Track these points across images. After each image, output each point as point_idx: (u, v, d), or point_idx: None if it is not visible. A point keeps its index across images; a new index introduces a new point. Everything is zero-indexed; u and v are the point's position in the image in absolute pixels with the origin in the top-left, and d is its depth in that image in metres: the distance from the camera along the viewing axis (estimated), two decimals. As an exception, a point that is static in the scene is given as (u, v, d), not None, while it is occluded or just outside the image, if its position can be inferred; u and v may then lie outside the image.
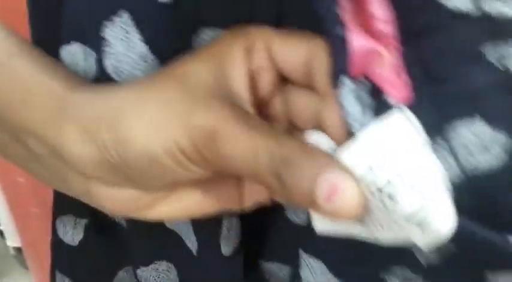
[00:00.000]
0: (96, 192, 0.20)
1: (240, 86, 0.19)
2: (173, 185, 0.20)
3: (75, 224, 0.30)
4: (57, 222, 0.31)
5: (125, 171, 0.19)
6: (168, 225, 0.26)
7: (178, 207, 0.21)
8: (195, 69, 0.19)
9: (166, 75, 0.20)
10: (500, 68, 0.16)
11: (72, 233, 0.31)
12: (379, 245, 0.18)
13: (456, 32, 0.16)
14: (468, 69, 0.16)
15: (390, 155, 0.16)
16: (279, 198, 0.22)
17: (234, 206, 0.22)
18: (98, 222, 0.30)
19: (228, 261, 0.27)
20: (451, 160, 0.17)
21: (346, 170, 0.16)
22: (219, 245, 0.26)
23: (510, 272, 0.19)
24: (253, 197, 0.22)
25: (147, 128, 0.18)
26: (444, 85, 0.17)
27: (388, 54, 0.17)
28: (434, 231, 0.16)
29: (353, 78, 0.17)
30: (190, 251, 0.27)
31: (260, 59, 0.19)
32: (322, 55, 0.18)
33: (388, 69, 0.17)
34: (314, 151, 0.17)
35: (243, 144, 0.17)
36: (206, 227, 0.26)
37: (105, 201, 0.20)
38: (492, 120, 0.17)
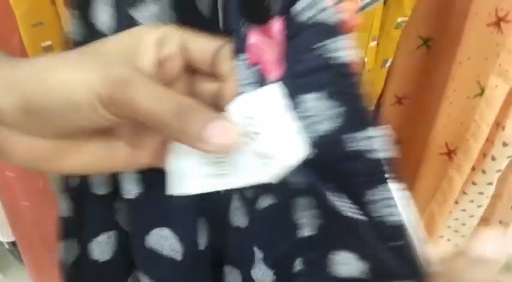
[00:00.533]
0: (9, 143, 0.23)
1: (148, 66, 0.24)
2: (85, 135, 0.24)
3: (108, 238, 0.34)
4: (90, 245, 0.34)
5: (44, 119, 0.22)
6: (147, 245, 0.31)
7: (83, 162, 0.25)
8: (113, 46, 0.24)
9: (88, 48, 0.24)
10: (329, 56, 0.24)
11: (107, 248, 0.34)
12: (234, 189, 0.25)
13: (306, 35, 0.25)
14: (307, 58, 0.25)
15: (262, 110, 0.24)
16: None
17: (132, 163, 0.26)
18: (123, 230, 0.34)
19: (203, 253, 0.32)
20: (303, 122, 0.25)
21: (229, 118, 0.23)
22: (197, 243, 0.31)
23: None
24: (147, 156, 0.27)
25: (69, 78, 0.21)
26: (298, 68, 0.25)
27: (272, 49, 0.26)
28: (282, 166, 0.23)
29: (249, 63, 0.26)
30: (172, 260, 0.31)
31: (170, 49, 0.25)
32: (227, 48, 0.25)
33: (272, 58, 0.26)
34: (209, 108, 0.23)
35: (152, 92, 0.22)
36: (188, 233, 0.31)
37: (17, 152, 0.23)
38: (328, 93, 0.25)
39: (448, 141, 0.54)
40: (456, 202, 0.60)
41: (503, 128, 0.51)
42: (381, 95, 0.60)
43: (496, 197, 0.63)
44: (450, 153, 0.54)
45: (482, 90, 0.49)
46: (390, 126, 0.64)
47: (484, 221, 0.67)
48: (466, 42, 0.50)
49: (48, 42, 0.54)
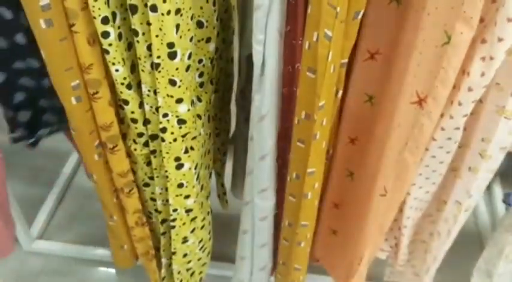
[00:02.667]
0: None
1: None
2: None
3: None
4: None
5: None
6: None
7: None
8: None
9: None
10: None
11: None
12: None
13: None
14: None
15: None
16: None
17: None
18: None
19: None
20: None
21: None
22: None
23: None
24: None
25: None
26: None
27: None
28: None
29: None
30: None
31: None
32: None
33: None
34: None
35: None
36: None
37: None
38: None
39: (419, 89, 0.57)
40: (426, 149, 0.64)
41: (468, 74, 0.55)
42: (354, 51, 0.63)
43: (465, 145, 0.67)
44: (421, 101, 0.57)
45: (449, 39, 0.52)
46: (364, 82, 0.66)
47: (455, 170, 0.71)
48: (433, -7, 0.52)
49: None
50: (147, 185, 0.73)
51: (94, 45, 0.55)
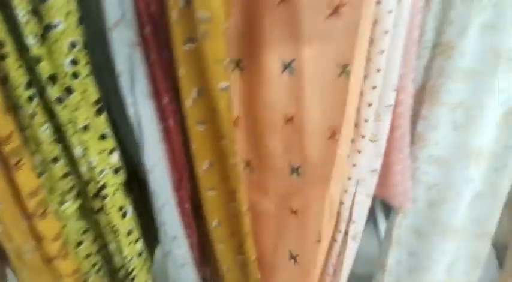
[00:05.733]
0: None
1: None
2: None
3: None
4: None
5: None
6: None
7: None
8: None
9: None
10: None
11: None
12: None
13: None
14: None
15: None
16: None
17: None
18: None
19: None
20: None
21: None
22: None
23: None
24: None
25: None
26: None
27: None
28: None
29: None
30: None
31: None
32: None
33: None
34: None
35: None
36: None
37: None
38: None
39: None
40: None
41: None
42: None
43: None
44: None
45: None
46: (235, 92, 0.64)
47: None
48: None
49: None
50: (80, 243, 0.69)
51: (9, 113, 0.54)
